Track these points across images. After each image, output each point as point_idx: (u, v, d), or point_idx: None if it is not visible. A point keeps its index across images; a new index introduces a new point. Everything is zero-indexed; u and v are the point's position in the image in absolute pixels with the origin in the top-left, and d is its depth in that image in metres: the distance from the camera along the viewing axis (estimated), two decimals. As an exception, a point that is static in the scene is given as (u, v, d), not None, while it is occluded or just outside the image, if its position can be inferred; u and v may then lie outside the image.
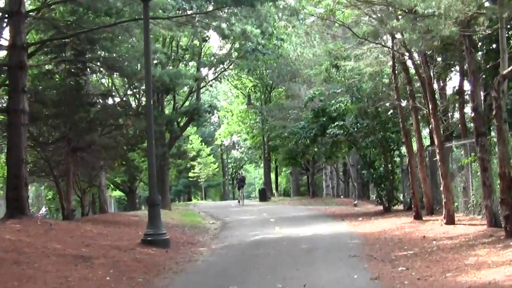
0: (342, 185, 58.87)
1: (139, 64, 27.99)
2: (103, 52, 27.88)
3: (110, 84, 36.32)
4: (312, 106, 33.78)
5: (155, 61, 29.62)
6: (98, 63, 28.91)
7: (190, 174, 74.05)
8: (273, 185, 68.60)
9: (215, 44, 74.56)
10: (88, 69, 29.70)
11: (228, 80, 63.59)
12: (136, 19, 23.89)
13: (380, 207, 31.09)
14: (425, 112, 27.20)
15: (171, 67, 32.83)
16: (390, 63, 24.96)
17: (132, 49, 26.56)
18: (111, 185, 56.07)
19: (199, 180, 76.02)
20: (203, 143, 76.85)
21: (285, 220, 29.18)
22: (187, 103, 41.72)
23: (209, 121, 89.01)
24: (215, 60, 41.10)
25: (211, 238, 23.34)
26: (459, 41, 19.60)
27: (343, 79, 29.33)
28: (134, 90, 33.25)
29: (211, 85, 50.39)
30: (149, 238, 19.07)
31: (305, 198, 53.21)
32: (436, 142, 21.34)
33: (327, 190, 57.85)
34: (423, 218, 23.32)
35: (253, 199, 65.29)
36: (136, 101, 36.22)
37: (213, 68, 42.37)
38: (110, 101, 31.11)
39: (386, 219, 25.87)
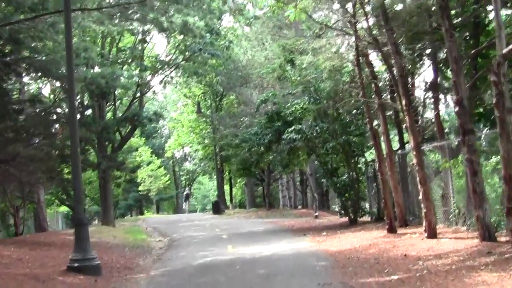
0: (300, 195, 56.42)
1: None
2: (28, 53, 24.51)
3: (37, 88, 32.69)
4: (266, 110, 30.65)
5: (85, 60, 26.13)
6: (24, 65, 25.41)
7: (141, 188, 70.55)
8: (228, 197, 65.92)
9: (160, 49, 71.27)
10: (12, 72, 26.14)
11: (176, 87, 60.52)
12: (60, 11, 20.61)
13: (345, 219, 28.22)
14: (391, 112, 24.59)
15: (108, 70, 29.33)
16: (352, 56, 22.13)
17: (59, 46, 23.15)
18: (56, 201, 52.68)
19: (150, 194, 72.47)
20: (154, 155, 73.29)
21: (239, 237, 26.12)
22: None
23: (159, 132, 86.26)
24: (158, 63, 37.74)
25: (153, 261, 20.14)
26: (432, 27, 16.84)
27: (299, 78, 26.40)
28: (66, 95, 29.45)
29: (154, 92, 47.09)
30: (75, 265, 16.25)
31: (261, 210, 50.19)
32: (411, 144, 18.40)
33: (284, 201, 55.29)
34: (398, 231, 20.38)
35: (207, 212, 62.01)
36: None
37: (158, 74, 38.92)
38: (38, 107, 27.39)
39: (354, 233, 22.87)
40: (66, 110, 30.59)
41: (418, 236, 18.47)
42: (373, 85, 21.97)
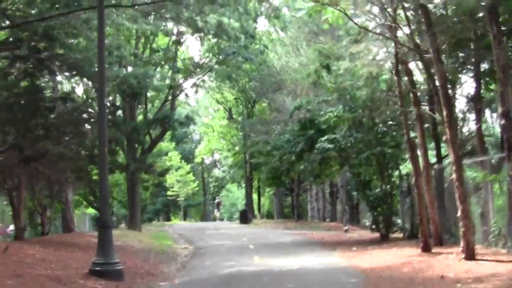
0: (329, 208, 55.34)
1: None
2: (62, 50, 24.10)
3: (70, 87, 32.25)
4: (299, 118, 29.80)
5: (117, 59, 25.56)
6: (57, 62, 24.99)
7: (169, 193, 70.00)
8: (256, 206, 65.04)
9: (193, 52, 70.61)
10: (45, 69, 25.75)
11: (208, 92, 59.91)
12: (94, 7, 20.16)
13: (376, 235, 27.21)
14: (427, 124, 23.60)
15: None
16: (390, 63, 21.25)
17: (92, 44, 22.65)
18: (84, 202, 52.43)
19: (178, 199, 71.85)
20: (183, 160, 72.70)
21: (266, 248, 25.35)
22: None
23: (190, 137, 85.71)
24: (191, 65, 37.10)
25: (178, 269, 19.56)
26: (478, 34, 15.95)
27: (334, 85, 25.55)
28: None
29: (186, 95, 46.30)
30: (97, 268, 15.82)
31: (289, 221, 49.24)
32: (451, 158, 17.35)
33: (312, 213, 54.20)
34: (432, 250, 19.39)
35: (234, 221, 61.22)
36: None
37: (190, 77, 38.21)
38: (70, 106, 26.90)
39: (385, 249, 21.89)
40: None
41: (455, 256, 17.47)
42: (411, 95, 21.07)
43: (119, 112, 34.20)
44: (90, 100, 28.49)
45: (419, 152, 21.15)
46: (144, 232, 35.32)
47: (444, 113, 17.30)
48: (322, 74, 23.43)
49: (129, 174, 35.35)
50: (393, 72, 21.25)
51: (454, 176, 17.26)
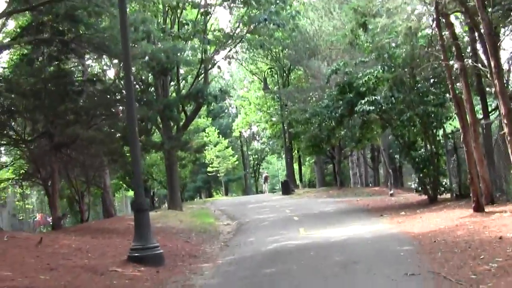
0: (371, 173, 54.39)
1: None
2: (86, 31, 23.39)
3: (100, 69, 31.45)
4: (336, 82, 28.68)
5: (143, 34, 24.65)
6: (82, 43, 24.29)
7: (209, 169, 69.51)
8: (297, 176, 64.24)
9: (223, 23, 69.15)
10: (71, 52, 25.09)
11: (241, 64, 58.92)
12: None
13: (423, 197, 26.21)
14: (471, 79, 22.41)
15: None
16: (430, 17, 20.10)
17: (115, 20, 21.82)
18: (124, 185, 52.19)
19: (218, 175, 71.36)
20: (221, 136, 72.08)
21: (311, 218, 24.53)
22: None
23: (226, 112, 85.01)
24: (221, 36, 36.00)
25: (220, 248, 18.81)
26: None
27: (371, 44, 24.40)
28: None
29: (219, 68, 45.33)
30: (136, 254, 15.00)
31: (332, 189, 48.27)
32: (502, 111, 16.27)
33: (354, 179, 53.33)
34: (485, 210, 18.35)
35: (276, 192, 60.52)
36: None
37: (222, 49, 37.12)
38: (99, 87, 26.17)
39: (435, 212, 20.87)
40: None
41: (510, 215, 16.54)
42: (453, 49, 19.90)
43: (152, 90, 33.40)
44: (118, 80, 27.68)
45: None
46: (185, 211, 34.71)
47: (492, 64, 16.19)
48: (358, 33, 22.22)
49: (166, 153, 34.64)
50: (434, 25, 20.14)
51: (506, 130, 16.20)
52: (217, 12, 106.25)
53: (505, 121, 16.10)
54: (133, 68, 25.81)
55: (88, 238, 18.82)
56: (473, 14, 17.79)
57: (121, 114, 25.97)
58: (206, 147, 46.38)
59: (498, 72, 16.08)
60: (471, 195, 18.95)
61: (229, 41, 36.19)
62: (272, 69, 55.55)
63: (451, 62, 19.83)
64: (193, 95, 31.68)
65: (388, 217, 21.80)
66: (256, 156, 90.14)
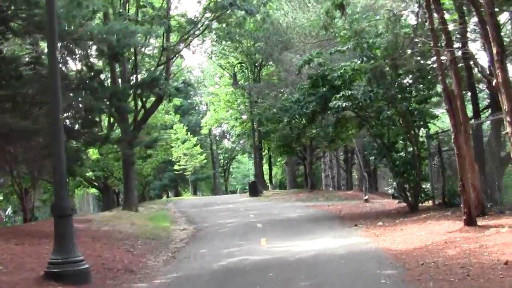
0: (344, 175, 51.95)
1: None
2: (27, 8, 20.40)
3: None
4: (309, 74, 25.83)
5: (89, 11, 21.54)
6: (21, 22, 21.34)
7: (176, 167, 66.51)
8: (267, 177, 61.73)
9: (191, 13, 65.93)
10: (10, 31, 22.00)
11: (210, 58, 56.15)
12: None
13: (402, 204, 23.56)
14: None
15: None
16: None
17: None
18: (84, 182, 49.16)
19: (185, 173, 68.40)
20: (190, 133, 69.06)
21: (276, 226, 21.81)
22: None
23: (196, 109, 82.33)
24: (184, 22, 32.94)
25: (165, 261, 15.92)
26: None
27: (348, 32, 21.69)
28: (72, 56, 24.66)
29: (182, 57, 42.14)
30: (54, 270, 12.14)
31: (303, 191, 45.54)
32: (505, 107, 13.54)
33: (326, 181, 51.19)
34: (478, 223, 15.67)
35: (246, 193, 57.85)
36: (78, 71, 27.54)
37: (185, 38, 34.00)
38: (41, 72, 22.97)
39: (418, 223, 18.12)
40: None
41: (509, 230, 13.92)
42: (443, 37, 17.23)
43: (104, 78, 30.28)
44: (65, 65, 24.61)
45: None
46: (142, 212, 31.83)
47: (494, 50, 13.46)
48: (334, 15, 19.29)
49: (122, 150, 31.63)
50: (419, 11, 17.48)
51: (508, 129, 13.53)
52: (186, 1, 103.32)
53: (508, 119, 13.42)
54: (79, 51, 22.83)
55: (11, 245, 15.81)
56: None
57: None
58: (157, 142, 42.86)
59: (501, 60, 13.34)
60: (461, 205, 16.28)
61: (193, 29, 33.17)
62: (243, 64, 52.94)
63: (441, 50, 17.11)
64: (147, 84, 28.56)
65: (363, 228, 19.05)
66: (227, 155, 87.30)
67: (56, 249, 12.29)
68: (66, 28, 20.97)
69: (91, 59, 26.62)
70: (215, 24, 34.51)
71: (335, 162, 50.69)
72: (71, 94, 22.51)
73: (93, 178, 46.63)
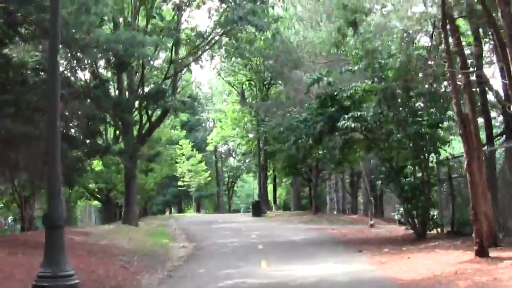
0: (349, 199, 51.27)
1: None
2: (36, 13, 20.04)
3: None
4: (318, 93, 25.19)
5: (97, 18, 21.06)
6: (29, 27, 21.06)
7: (180, 183, 65.92)
8: (272, 197, 61.10)
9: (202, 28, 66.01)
10: (18, 36, 21.61)
11: (219, 74, 55.75)
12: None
13: (409, 231, 22.83)
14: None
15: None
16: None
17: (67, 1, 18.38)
18: (86, 193, 48.75)
19: (189, 190, 67.81)
20: (195, 150, 68.53)
21: (277, 248, 21.12)
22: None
23: (203, 125, 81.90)
24: (193, 35, 32.49)
25: (161, 280, 15.29)
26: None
27: (360, 50, 21.09)
28: (78, 64, 24.10)
29: (190, 70, 41.67)
30: (43, 284, 11.32)
31: (307, 213, 44.92)
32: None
33: (331, 204, 50.45)
34: (490, 255, 14.94)
35: (250, 212, 57.19)
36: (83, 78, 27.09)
37: (194, 51, 33.55)
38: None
39: (425, 252, 17.40)
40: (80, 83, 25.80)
41: (523, 264, 13.22)
42: (458, 59, 16.66)
43: (112, 88, 29.85)
44: (73, 71, 24.13)
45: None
46: (141, 228, 31.21)
47: (513, 73, 12.83)
48: (346, 33, 18.68)
49: (125, 162, 31.06)
50: (434, 32, 16.88)
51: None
52: (195, 13, 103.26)
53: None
54: (86, 60, 22.37)
55: (4, 254, 15.32)
56: (489, 11, 14.44)
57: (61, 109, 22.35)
58: (159, 157, 42.33)
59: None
60: (472, 234, 15.56)
61: (203, 43, 32.70)
62: (251, 82, 52.49)
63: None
64: (153, 96, 28.03)
65: (368, 254, 18.32)
66: (232, 173, 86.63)
67: (46, 262, 11.65)
68: (74, 36, 20.56)
69: (99, 70, 26.24)
70: (225, 39, 34.08)
71: (340, 185, 50.05)
72: (76, 102, 21.96)
73: (96, 190, 46.22)
